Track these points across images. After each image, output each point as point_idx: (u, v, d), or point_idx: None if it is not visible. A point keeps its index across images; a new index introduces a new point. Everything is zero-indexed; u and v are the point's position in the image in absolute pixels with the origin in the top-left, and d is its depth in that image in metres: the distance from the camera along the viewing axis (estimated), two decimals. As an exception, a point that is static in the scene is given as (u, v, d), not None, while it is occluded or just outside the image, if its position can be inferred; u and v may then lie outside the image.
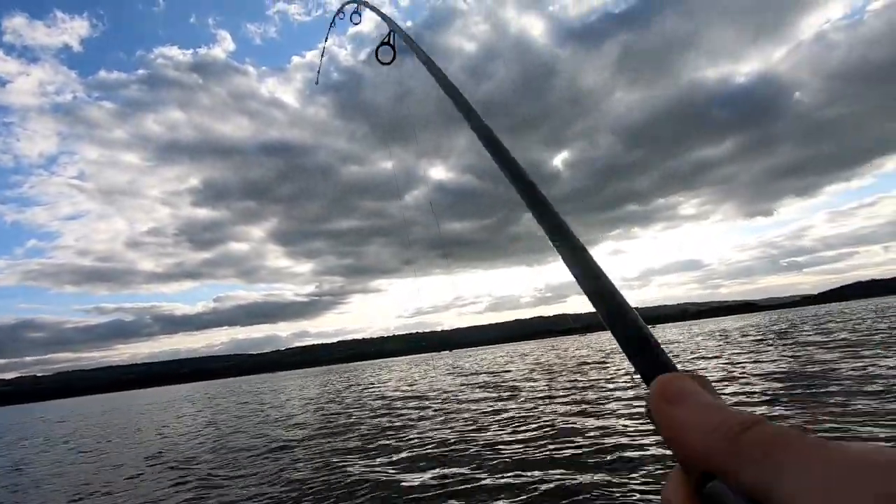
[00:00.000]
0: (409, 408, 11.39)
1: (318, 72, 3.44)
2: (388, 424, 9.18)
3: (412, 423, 8.97)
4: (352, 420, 10.56)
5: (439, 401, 12.05)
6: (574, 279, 0.37)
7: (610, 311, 0.37)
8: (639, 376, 0.36)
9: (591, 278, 0.36)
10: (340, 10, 2.26)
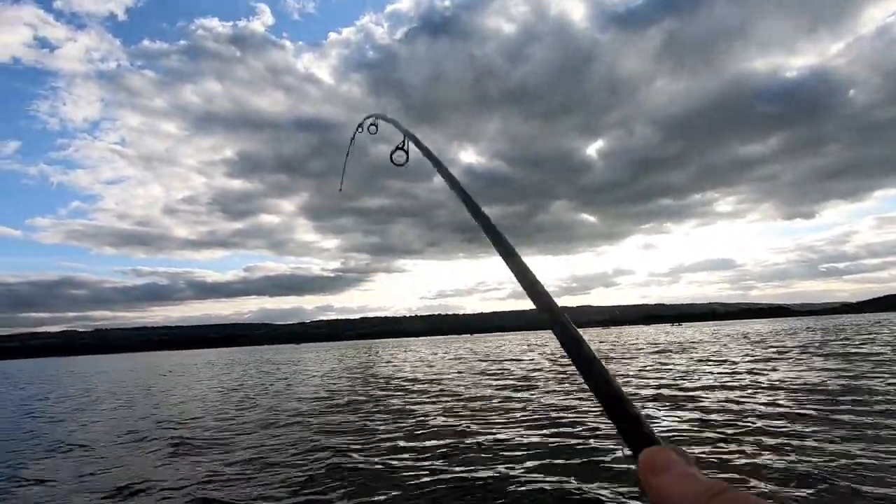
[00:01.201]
0: (412, 391, 11.33)
1: (342, 179, 3.38)
2: (384, 408, 9.11)
3: (408, 408, 8.88)
4: (352, 399, 10.55)
5: (442, 387, 11.95)
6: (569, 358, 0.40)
7: (606, 394, 0.40)
8: (630, 452, 0.40)
9: (587, 364, 0.41)
10: (360, 125, 2.49)
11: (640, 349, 22.68)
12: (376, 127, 2.23)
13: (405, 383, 13.30)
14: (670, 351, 20.37)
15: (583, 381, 0.40)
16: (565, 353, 0.41)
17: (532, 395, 9.48)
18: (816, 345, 19.04)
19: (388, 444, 6.06)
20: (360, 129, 2.49)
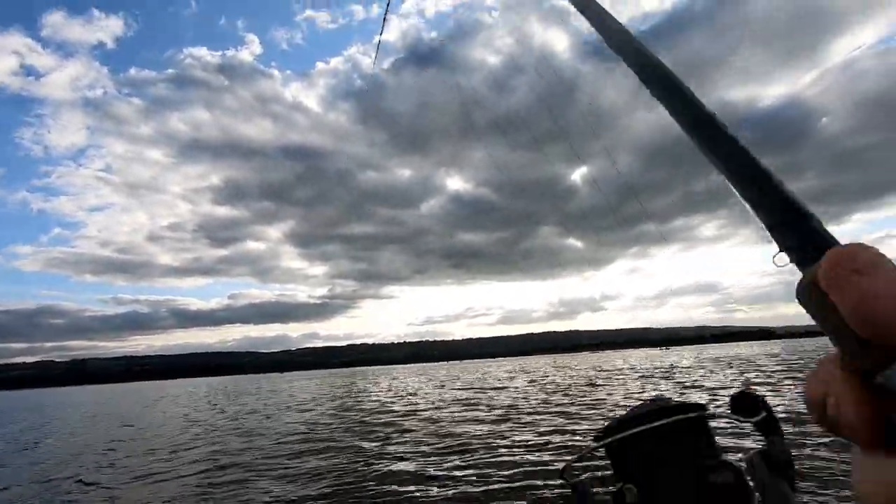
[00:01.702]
0: (390, 424, 10.91)
1: (375, 57, 3.29)
2: (354, 448, 8.70)
3: (386, 442, 8.49)
4: (319, 436, 10.10)
5: (420, 419, 11.54)
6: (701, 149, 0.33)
7: (752, 182, 0.32)
8: (785, 260, 0.30)
9: (721, 143, 0.33)
10: None
11: (626, 374, 22.46)
12: None
13: (383, 415, 12.84)
14: (654, 377, 20.17)
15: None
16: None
17: (509, 428, 9.14)
18: (784, 369, 19.00)
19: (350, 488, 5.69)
20: None
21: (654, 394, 12.57)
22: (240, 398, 26.55)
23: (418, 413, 12.59)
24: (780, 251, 0.30)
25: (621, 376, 21.92)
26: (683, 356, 49.98)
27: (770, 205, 0.31)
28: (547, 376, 26.24)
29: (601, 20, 0.59)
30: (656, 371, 24.12)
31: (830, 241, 0.29)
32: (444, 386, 24.73)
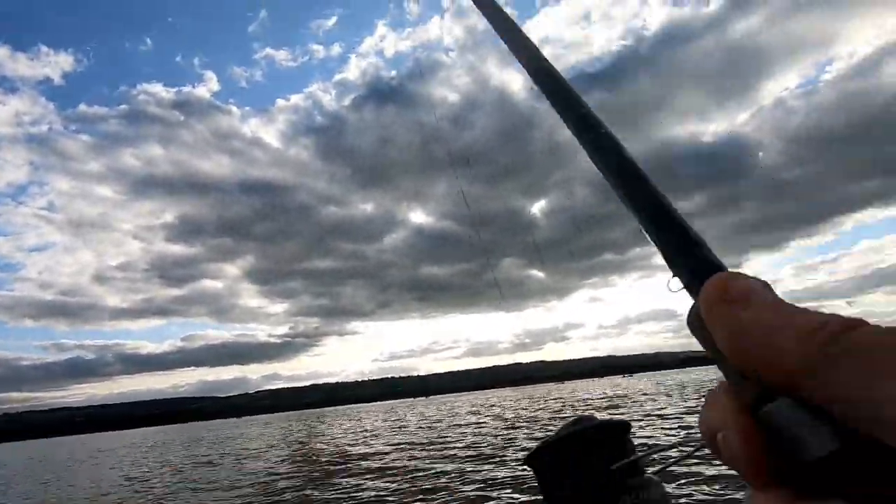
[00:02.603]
0: (343, 472, 10.46)
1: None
2: (308, 494, 8.28)
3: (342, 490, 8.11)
4: (271, 485, 9.57)
5: (376, 467, 11.15)
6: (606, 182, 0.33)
7: (645, 209, 0.31)
8: (679, 286, 0.30)
9: (618, 174, 0.32)
10: None
11: (590, 403, 22.57)
12: None
13: (337, 463, 12.31)
14: (618, 406, 20.37)
15: None
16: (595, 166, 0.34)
17: (466, 468, 8.93)
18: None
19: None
20: None
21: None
22: (189, 448, 24.93)
23: (373, 457, 12.15)
24: (674, 276, 0.30)
25: (586, 406, 22.02)
26: (641, 383, 50.85)
27: (664, 232, 0.31)
28: (507, 411, 26.03)
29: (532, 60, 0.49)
30: (618, 399, 24.37)
31: (714, 269, 0.29)
32: (401, 427, 24.12)
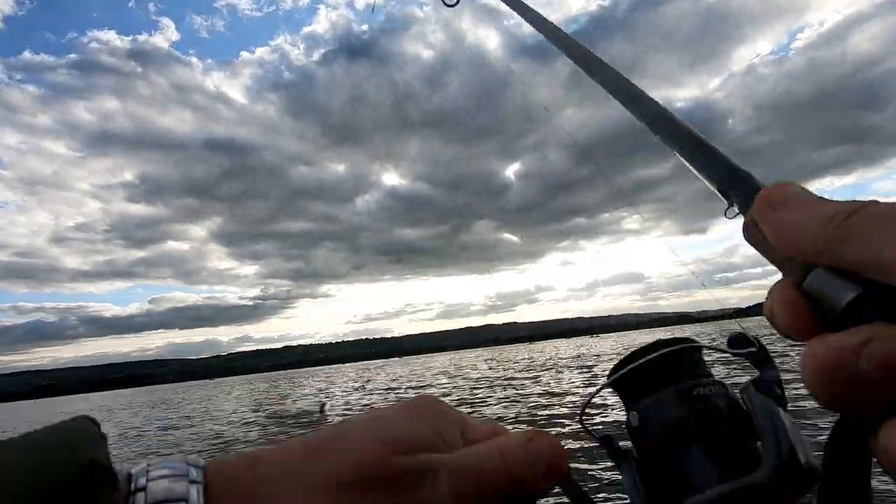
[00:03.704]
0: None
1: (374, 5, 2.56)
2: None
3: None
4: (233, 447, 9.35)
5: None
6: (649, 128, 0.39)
7: (692, 150, 0.38)
8: (735, 212, 0.37)
9: (663, 121, 0.38)
10: None
11: (548, 367, 23.03)
12: None
13: (294, 425, 12.17)
14: (586, 364, 20.82)
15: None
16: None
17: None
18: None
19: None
20: None
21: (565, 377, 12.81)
22: (155, 411, 24.51)
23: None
24: (730, 206, 0.37)
25: (561, 365, 22.47)
26: (607, 344, 52.49)
27: (717, 170, 0.38)
28: (476, 370, 26.40)
29: (539, 19, 0.66)
30: (570, 360, 24.97)
31: (758, 188, 0.37)
32: (364, 387, 24.21)
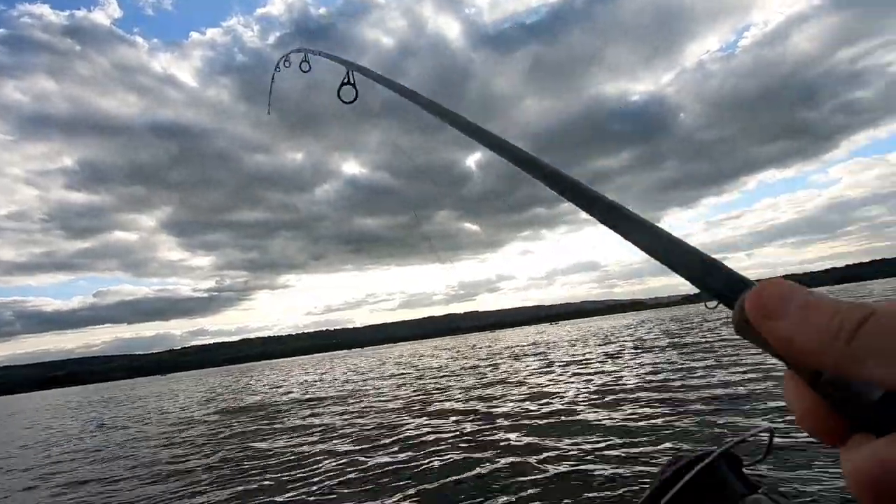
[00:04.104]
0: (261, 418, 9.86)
1: (269, 102, 3.23)
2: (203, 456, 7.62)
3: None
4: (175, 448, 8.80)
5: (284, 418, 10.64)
6: (613, 232, 0.39)
7: (662, 248, 0.38)
8: (714, 303, 0.36)
9: (630, 222, 0.38)
10: (286, 58, 2.23)
11: (505, 354, 23.28)
12: (308, 64, 1.93)
13: (249, 419, 11.65)
14: (528, 354, 21.09)
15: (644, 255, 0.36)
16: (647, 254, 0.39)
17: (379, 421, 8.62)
18: (650, 335, 21.07)
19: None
20: (286, 63, 2.22)
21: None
22: (99, 410, 23.09)
23: (291, 411, 11.61)
24: (708, 297, 0.36)
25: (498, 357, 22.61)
26: (564, 330, 53.75)
27: (685, 263, 0.37)
28: (438, 359, 26.35)
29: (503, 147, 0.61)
30: (528, 347, 25.35)
31: (741, 280, 0.35)
32: (320, 380, 23.71)
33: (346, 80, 1.26)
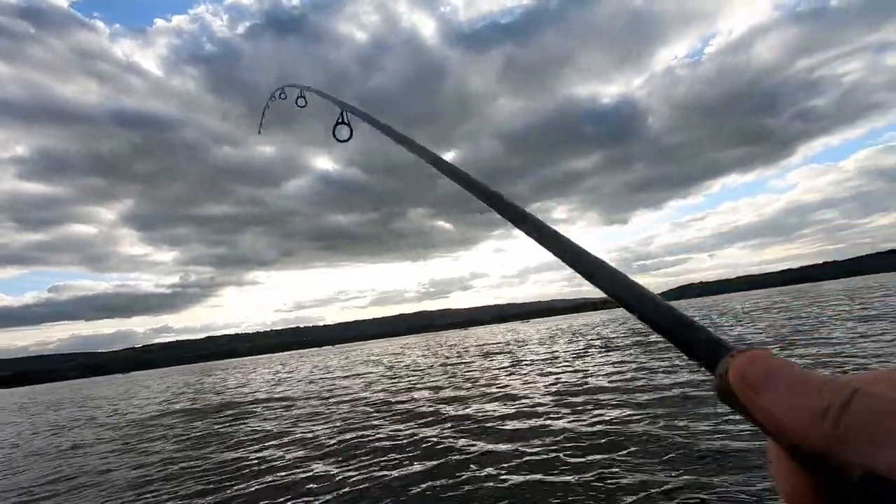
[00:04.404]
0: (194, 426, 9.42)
1: (261, 124, 3.24)
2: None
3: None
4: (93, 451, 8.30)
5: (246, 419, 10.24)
6: (585, 280, 0.39)
7: (639, 305, 0.37)
8: (690, 359, 0.36)
9: (604, 277, 0.38)
10: (281, 91, 2.32)
11: (475, 352, 23.25)
12: (305, 100, 2.04)
13: (212, 420, 11.16)
14: (496, 353, 21.11)
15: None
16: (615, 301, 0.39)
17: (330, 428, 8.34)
18: (612, 334, 21.40)
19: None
20: (282, 95, 2.34)
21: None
22: (47, 412, 21.88)
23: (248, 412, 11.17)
24: (689, 357, 0.36)
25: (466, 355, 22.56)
26: (534, 328, 54.32)
27: (669, 327, 0.37)
28: (405, 357, 26.11)
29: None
30: (499, 346, 25.42)
31: (718, 346, 0.35)
32: (284, 379, 23.14)
33: (340, 120, 1.31)
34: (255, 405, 12.82)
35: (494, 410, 7.48)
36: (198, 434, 9.19)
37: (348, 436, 6.98)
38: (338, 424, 8.07)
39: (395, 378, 15.14)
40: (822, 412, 0.29)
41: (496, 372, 13.05)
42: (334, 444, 6.60)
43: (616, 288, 0.38)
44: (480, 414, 7.35)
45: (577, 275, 0.38)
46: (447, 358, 21.36)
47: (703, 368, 0.35)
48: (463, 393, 9.74)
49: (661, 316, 0.37)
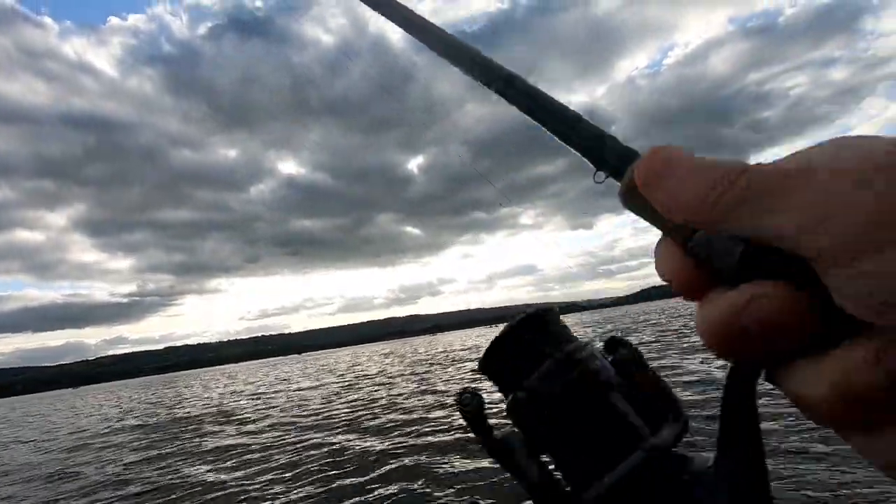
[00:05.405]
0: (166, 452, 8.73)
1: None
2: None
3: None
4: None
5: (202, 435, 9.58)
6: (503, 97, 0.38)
7: (556, 120, 0.37)
8: (603, 176, 0.36)
9: (517, 88, 0.38)
10: None
11: (444, 361, 22.94)
12: None
13: (167, 436, 10.39)
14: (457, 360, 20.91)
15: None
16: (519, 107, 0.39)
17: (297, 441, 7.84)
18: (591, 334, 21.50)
19: None
20: None
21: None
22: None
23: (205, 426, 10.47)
24: (598, 171, 0.36)
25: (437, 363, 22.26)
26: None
27: (579, 137, 0.37)
28: (371, 366, 25.54)
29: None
30: (467, 351, 25.21)
31: (629, 152, 0.36)
32: (239, 391, 22.29)
33: None
34: (210, 420, 12.10)
35: (455, 423, 7.17)
36: (133, 456, 8.49)
37: (292, 451, 6.51)
38: (285, 438, 7.56)
39: (358, 388, 14.64)
40: (712, 187, 0.31)
41: (461, 380, 12.77)
42: (278, 458, 6.12)
43: (527, 100, 0.38)
44: (441, 426, 7.02)
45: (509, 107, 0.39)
46: (413, 366, 20.97)
47: (611, 177, 0.36)
48: (423, 402, 9.39)
49: (569, 126, 0.37)
